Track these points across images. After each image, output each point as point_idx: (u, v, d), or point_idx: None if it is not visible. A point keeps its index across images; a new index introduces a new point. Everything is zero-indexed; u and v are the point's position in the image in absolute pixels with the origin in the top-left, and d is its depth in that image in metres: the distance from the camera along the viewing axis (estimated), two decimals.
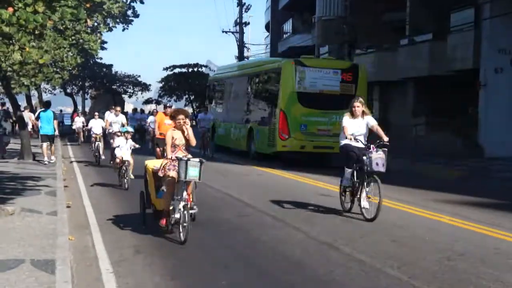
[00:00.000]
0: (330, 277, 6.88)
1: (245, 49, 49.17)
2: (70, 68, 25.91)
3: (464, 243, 8.74)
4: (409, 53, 29.67)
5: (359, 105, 10.62)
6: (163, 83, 63.08)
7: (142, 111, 47.54)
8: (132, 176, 14.34)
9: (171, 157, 8.61)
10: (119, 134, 17.42)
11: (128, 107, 38.57)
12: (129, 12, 20.15)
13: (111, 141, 18.28)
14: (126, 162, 14.23)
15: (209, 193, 13.19)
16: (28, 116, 25.27)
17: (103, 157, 19.91)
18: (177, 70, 62.42)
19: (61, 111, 55.11)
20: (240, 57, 47.19)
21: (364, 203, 10.42)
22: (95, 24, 20.61)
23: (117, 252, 7.85)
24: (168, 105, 17.03)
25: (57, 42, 19.61)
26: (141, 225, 9.29)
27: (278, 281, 6.73)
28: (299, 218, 10.52)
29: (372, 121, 10.73)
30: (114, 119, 20.23)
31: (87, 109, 53.65)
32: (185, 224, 8.24)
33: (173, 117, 9.11)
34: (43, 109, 22.06)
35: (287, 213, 11.10)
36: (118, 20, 20.06)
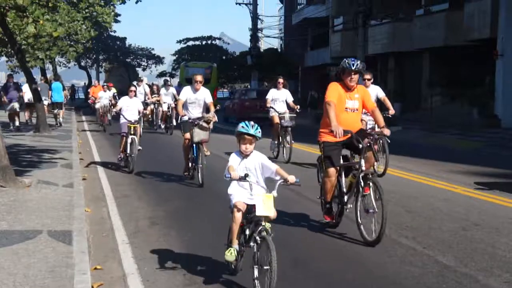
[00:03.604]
0: (343, 246, 6.91)
1: (259, 21, 48.81)
2: (84, 41, 26.02)
3: (479, 213, 8.70)
4: (424, 23, 29.32)
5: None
6: (176, 56, 62.93)
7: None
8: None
9: None
10: (204, 125, 10.67)
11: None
12: None
13: (184, 134, 11.02)
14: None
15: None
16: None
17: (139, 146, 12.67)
18: (190, 43, 62.24)
19: (73, 85, 55.53)
20: (254, 29, 46.84)
21: None
22: None
23: (133, 223, 7.92)
24: None
25: (71, 15, 19.65)
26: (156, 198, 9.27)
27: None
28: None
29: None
30: (192, 97, 11.06)
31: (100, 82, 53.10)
32: None
33: None
34: (52, 82, 25.10)
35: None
36: None
